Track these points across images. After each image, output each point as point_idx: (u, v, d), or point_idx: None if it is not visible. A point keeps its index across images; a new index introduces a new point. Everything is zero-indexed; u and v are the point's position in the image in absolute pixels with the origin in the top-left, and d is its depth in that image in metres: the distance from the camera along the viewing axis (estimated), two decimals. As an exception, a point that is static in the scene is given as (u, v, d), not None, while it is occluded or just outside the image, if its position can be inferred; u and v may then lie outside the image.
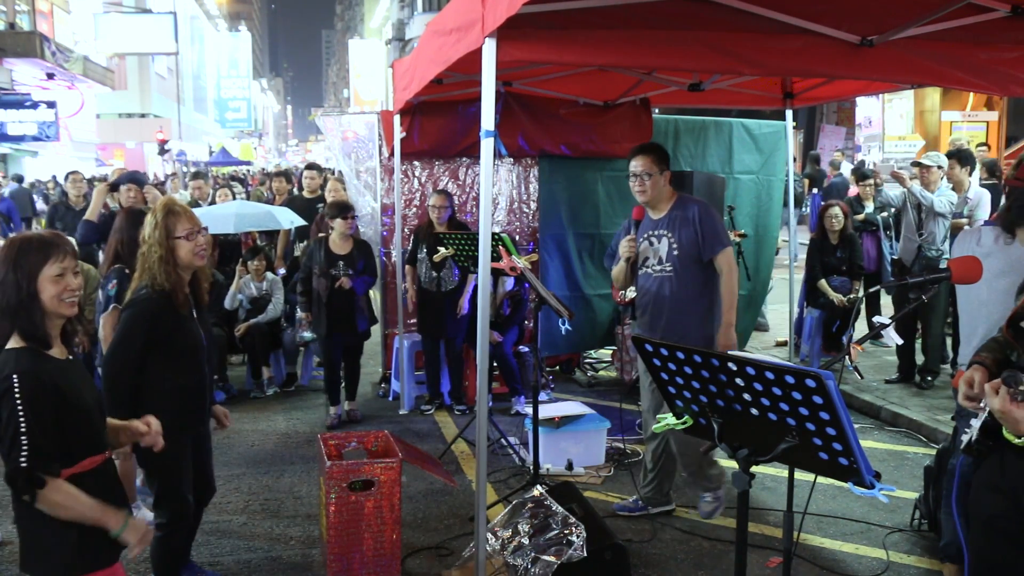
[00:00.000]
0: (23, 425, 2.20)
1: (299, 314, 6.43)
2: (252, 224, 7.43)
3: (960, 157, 6.90)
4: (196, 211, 7.59)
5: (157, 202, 3.51)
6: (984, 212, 6.78)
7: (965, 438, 2.32)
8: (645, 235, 4.37)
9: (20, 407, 2.21)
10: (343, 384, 6.35)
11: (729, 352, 2.14)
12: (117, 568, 2.48)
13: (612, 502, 4.76)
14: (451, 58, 3.94)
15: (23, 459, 2.20)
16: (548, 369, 7.37)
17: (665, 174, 4.29)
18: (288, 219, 7.50)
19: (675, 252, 4.25)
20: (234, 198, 9.39)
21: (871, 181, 8.78)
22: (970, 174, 6.91)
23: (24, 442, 2.20)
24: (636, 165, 4.28)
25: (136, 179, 5.68)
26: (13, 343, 2.31)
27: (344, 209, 6.16)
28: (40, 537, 2.35)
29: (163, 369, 3.26)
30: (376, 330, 6.67)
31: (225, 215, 7.37)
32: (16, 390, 2.22)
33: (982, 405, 2.30)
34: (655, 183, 4.26)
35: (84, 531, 2.34)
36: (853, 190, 12.30)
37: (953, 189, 6.80)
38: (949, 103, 14.82)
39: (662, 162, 4.28)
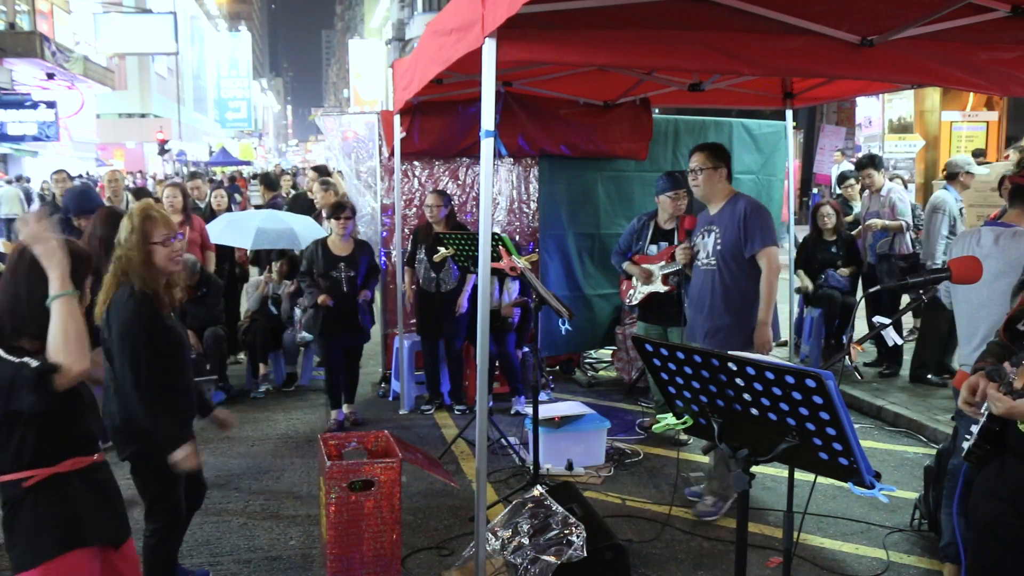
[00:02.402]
0: None
1: (296, 313, 6.36)
2: (270, 242, 7.20)
3: (874, 163, 7.42)
4: (225, 216, 7.62)
5: (134, 206, 3.46)
6: (906, 207, 7.26)
7: (966, 445, 2.32)
8: (700, 229, 4.58)
9: None
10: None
11: (729, 352, 2.14)
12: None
13: (612, 502, 4.76)
14: (451, 58, 3.94)
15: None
16: (548, 369, 7.37)
17: (720, 170, 4.48)
18: (310, 237, 7.07)
19: (719, 247, 4.41)
20: (229, 208, 9.19)
21: (851, 181, 8.77)
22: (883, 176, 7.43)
23: None
24: (692, 161, 4.53)
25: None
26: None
27: (337, 209, 6.05)
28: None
29: (153, 372, 3.19)
30: (376, 330, 6.65)
31: (247, 229, 7.19)
32: None
33: (982, 411, 2.30)
34: (708, 177, 4.46)
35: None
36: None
37: (873, 192, 7.40)
38: (949, 103, 14.81)
39: (716, 159, 4.48)
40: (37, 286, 2.43)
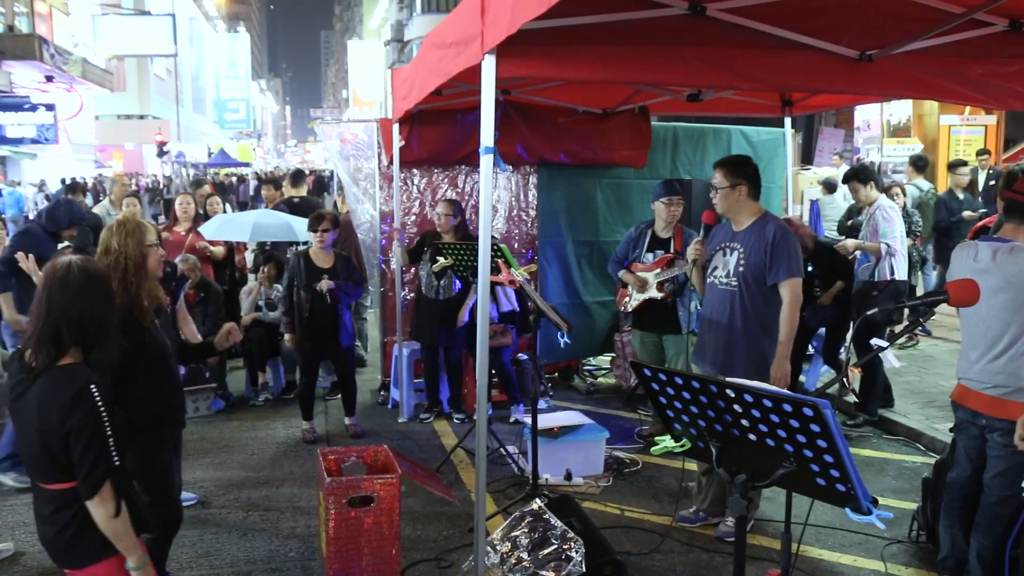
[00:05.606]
0: (108, 428, 2.40)
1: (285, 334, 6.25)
2: (267, 235, 7.20)
3: (859, 176, 6.52)
4: (219, 217, 7.64)
5: (117, 217, 3.52)
6: (891, 227, 6.20)
7: None
8: (721, 244, 4.38)
9: (103, 412, 2.40)
10: (323, 399, 6.21)
11: (728, 379, 2.14)
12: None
13: (611, 512, 4.77)
14: (451, 72, 3.95)
15: (116, 457, 2.41)
16: (547, 376, 7.36)
17: (740, 188, 4.24)
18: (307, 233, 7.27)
19: (741, 268, 4.24)
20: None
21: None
22: (878, 188, 6.47)
23: (112, 443, 2.41)
24: (713, 178, 4.34)
25: None
26: (70, 358, 2.46)
27: (316, 221, 5.97)
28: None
29: (139, 379, 3.24)
30: (375, 337, 6.64)
31: (243, 223, 7.20)
32: (96, 397, 2.40)
33: None
34: (725, 196, 4.27)
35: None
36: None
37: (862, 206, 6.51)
38: (947, 107, 14.83)
39: (737, 176, 4.25)
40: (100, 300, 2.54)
